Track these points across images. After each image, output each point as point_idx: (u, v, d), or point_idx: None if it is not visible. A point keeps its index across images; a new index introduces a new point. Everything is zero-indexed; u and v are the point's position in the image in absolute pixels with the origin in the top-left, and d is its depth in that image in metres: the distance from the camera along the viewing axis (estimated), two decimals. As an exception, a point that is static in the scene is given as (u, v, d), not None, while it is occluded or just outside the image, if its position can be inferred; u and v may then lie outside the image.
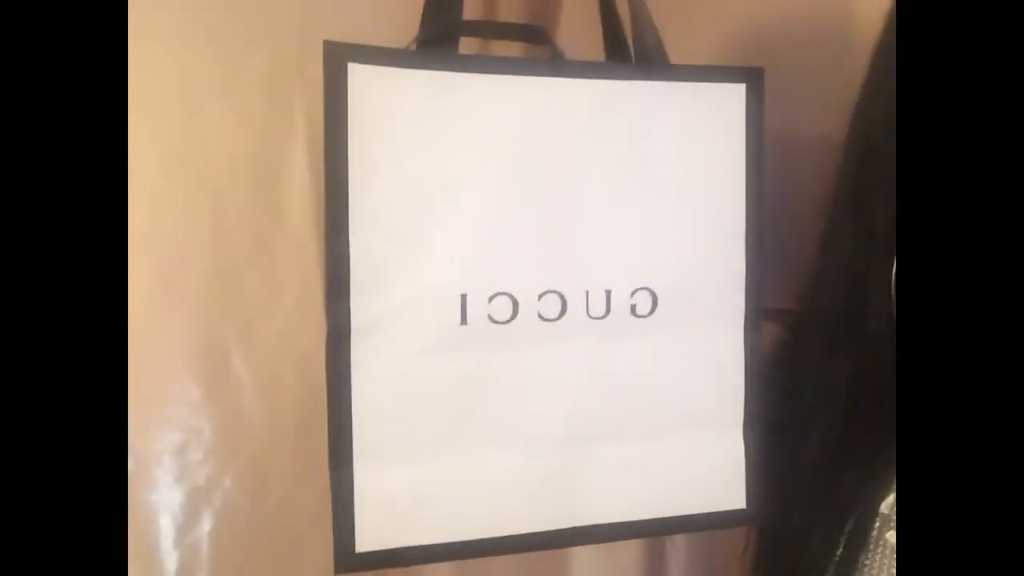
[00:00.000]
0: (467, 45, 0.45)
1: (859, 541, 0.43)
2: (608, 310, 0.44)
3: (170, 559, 0.47)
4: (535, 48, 0.46)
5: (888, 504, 0.44)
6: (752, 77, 0.45)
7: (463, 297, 0.42)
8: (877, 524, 0.42)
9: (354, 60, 0.39)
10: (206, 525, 0.48)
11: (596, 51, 0.47)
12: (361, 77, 0.39)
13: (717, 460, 0.46)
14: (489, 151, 0.42)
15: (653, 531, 0.46)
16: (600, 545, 0.50)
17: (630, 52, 0.46)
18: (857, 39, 0.53)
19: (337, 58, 0.39)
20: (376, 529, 0.41)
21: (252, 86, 0.46)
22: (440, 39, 0.42)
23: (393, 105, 0.40)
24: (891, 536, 0.43)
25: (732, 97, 0.45)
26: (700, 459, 0.46)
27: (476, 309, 0.42)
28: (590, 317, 0.44)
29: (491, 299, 0.42)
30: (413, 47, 0.42)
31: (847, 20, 0.54)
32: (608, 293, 0.44)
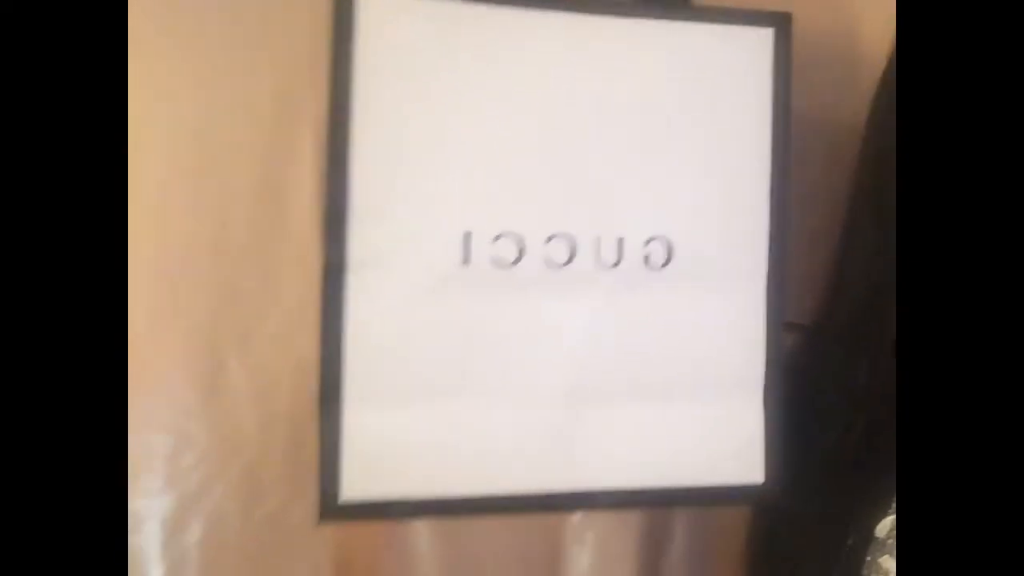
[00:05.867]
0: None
1: (854, 565, 0.45)
2: (620, 258, 0.46)
3: (155, 570, 0.48)
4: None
5: (883, 528, 0.45)
6: (780, 22, 0.48)
7: (466, 235, 0.44)
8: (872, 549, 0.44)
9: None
10: (195, 534, 0.49)
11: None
12: (372, 2, 0.42)
13: (733, 429, 0.47)
14: (502, 86, 0.44)
15: (661, 501, 0.48)
16: (595, 537, 0.52)
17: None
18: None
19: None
20: (363, 478, 0.43)
21: (260, 88, 0.49)
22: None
23: (404, 32, 0.43)
24: (885, 561, 0.44)
25: (758, 42, 0.47)
26: (714, 427, 0.47)
27: (479, 248, 0.44)
28: (600, 265, 0.46)
29: (496, 239, 0.44)
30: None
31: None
32: (620, 240, 0.46)
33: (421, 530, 0.51)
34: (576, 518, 0.52)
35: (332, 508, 0.42)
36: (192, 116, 0.48)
